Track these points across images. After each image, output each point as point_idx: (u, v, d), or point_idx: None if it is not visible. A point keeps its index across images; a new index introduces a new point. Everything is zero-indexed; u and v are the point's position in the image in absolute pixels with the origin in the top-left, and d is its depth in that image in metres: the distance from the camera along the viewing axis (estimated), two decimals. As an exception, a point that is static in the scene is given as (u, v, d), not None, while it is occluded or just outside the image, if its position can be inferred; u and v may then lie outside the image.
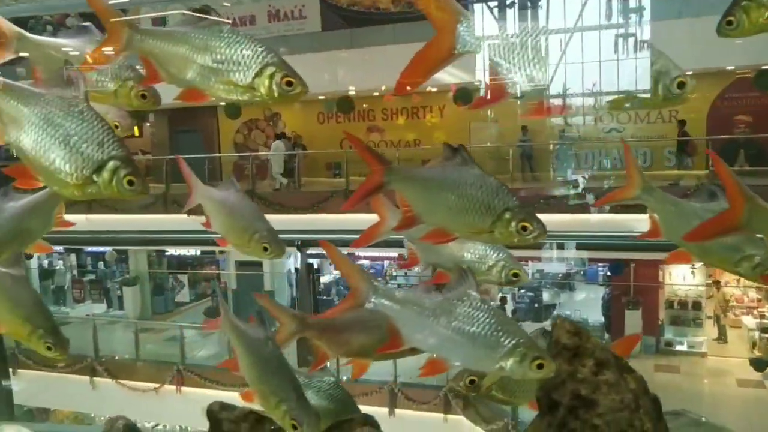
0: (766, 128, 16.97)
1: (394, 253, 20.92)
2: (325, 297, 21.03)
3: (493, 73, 2.27)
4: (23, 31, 2.60)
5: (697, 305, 17.99)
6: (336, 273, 22.50)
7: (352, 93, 19.61)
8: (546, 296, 21.10)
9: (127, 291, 22.58)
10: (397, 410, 14.84)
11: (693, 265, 17.93)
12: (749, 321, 17.66)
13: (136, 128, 26.14)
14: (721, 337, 17.79)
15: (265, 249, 2.69)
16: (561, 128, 18.43)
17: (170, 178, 17.53)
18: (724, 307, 18.45)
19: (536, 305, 20.54)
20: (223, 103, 21.90)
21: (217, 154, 23.05)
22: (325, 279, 21.89)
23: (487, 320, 2.11)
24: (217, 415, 2.54)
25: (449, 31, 2.03)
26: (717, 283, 18.29)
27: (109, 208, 17.19)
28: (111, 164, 2.06)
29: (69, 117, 2.08)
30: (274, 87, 2.11)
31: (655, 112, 18.76)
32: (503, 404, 2.60)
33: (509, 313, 20.27)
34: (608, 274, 20.10)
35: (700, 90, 17.45)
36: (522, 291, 21.52)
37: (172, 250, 23.43)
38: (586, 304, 20.10)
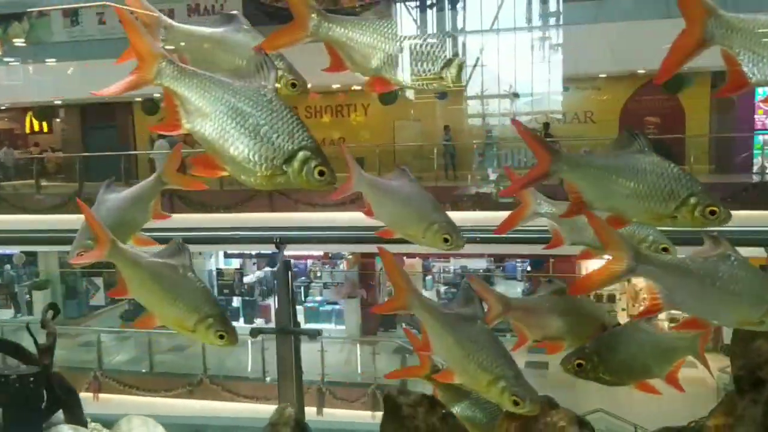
0: (674, 129, 17.89)
1: (318, 252, 20.82)
2: (248, 298, 20.71)
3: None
4: (169, 20, 2.51)
5: (611, 298, 18.77)
6: (259, 273, 22.21)
7: (274, 90, 19.27)
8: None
9: (37, 295, 21.52)
10: (325, 409, 14.79)
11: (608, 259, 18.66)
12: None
13: (45, 124, 24.96)
14: (633, 329, 18.59)
15: (446, 240, 2.62)
16: (484, 128, 18.87)
17: (84, 177, 16.82)
18: (634, 299, 19.34)
19: (459, 301, 20.84)
20: (139, 99, 21.20)
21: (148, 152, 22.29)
22: (247, 279, 21.56)
23: (750, 279, 2.14)
24: (395, 400, 2.57)
25: (699, 23, 2.01)
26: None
27: (17, 207, 16.32)
28: (301, 154, 2.02)
29: (258, 106, 2.03)
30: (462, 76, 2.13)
31: (571, 113, 19.45)
32: (610, 386, 2.65)
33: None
34: (528, 269, 20.69)
35: (614, 92, 18.20)
36: (446, 287, 21.89)
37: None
38: (508, 299, 20.54)
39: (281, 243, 3.97)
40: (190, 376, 15.72)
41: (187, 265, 2.44)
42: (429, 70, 2.13)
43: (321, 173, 2.02)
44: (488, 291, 2.79)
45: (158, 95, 20.85)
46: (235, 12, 2.62)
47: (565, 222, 2.72)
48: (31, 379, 3.13)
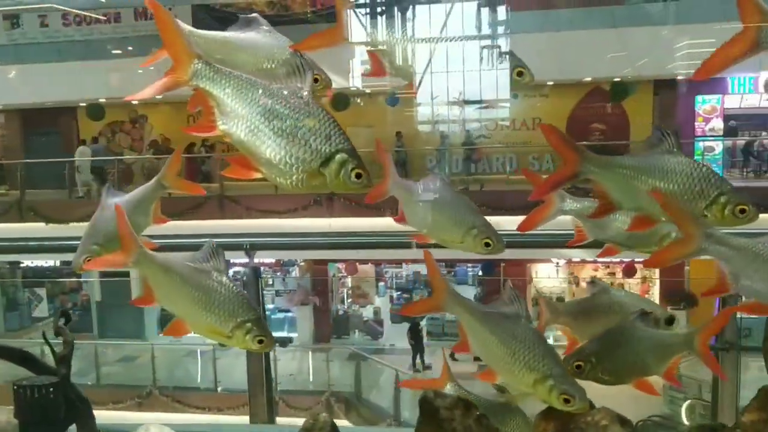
0: (619, 135, 18.37)
1: (269, 259, 20.59)
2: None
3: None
4: (189, 27, 2.44)
5: (560, 300, 19.11)
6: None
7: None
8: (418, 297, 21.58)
9: (-26, 307, 20.67)
10: (278, 419, 14.59)
11: (557, 263, 19.08)
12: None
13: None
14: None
15: (487, 244, 2.62)
16: (440, 134, 19.00)
17: (25, 184, 16.28)
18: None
19: (412, 307, 20.97)
20: (83, 104, 20.65)
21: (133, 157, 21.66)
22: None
23: None
24: (432, 403, 2.59)
25: (752, 28, 2.05)
26: (576, 279, 19.54)
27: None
28: (339, 157, 2.04)
29: (295, 109, 2.04)
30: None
31: (520, 119, 19.78)
32: (609, 385, 2.65)
33: (387, 314, 20.60)
34: (480, 273, 20.91)
35: (561, 100, 18.59)
36: (398, 293, 21.94)
37: (28, 261, 21.70)
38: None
39: (251, 249, 3.95)
40: (138, 387, 15.33)
41: (221, 270, 2.40)
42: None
43: (358, 176, 2.06)
44: (542, 300, 2.82)
45: (104, 100, 20.42)
46: (254, 15, 2.65)
47: (587, 219, 2.75)
48: (51, 389, 3.14)
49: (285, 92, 2.06)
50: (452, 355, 3.70)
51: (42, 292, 21.57)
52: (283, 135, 2.02)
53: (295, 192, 2.21)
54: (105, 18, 19.50)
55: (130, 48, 19.08)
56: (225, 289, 2.36)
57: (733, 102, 18.89)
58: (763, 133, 18.21)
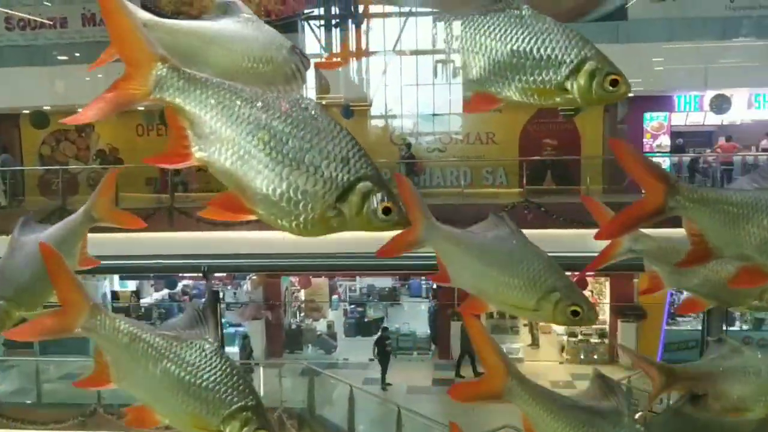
0: (569, 151, 18.68)
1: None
2: (146, 322, 19.77)
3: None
4: (151, 16, 1.91)
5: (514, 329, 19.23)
6: (156, 295, 21.32)
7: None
8: (373, 312, 21.48)
9: None
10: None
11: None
12: (557, 327, 19.23)
13: None
14: (534, 343, 19.19)
15: (575, 313, 2.03)
16: (399, 149, 18.99)
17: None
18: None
19: (365, 320, 20.85)
20: (26, 111, 19.97)
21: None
22: (145, 301, 20.64)
23: None
24: None
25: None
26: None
27: None
28: (361, 186, 1.53)
29: (299, 125, 1.53)
30: (594, 87, 1.74)
31: (474, 133, 19.96)
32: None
33: (341, 328, 20.42)
34: (434, 286, 20.92)
35: (514, 115, 18.82)
36: (352, 306, 21.78)
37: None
38: (414, 317, 20.75)
39: (209, 272, 3.72)
40: (82, 406, 14.77)
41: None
42: (549, 80, 1.77)
43: (386, 211, 1.55)
44: (646, 362, 2.43)
45: (48, 107, 19.83)
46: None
47: (665, 262, 2.27)
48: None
49: (284, 103, 1.56)
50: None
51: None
52: (284, 161, 1.51)
53: (305, 236, 1.60)
54: (51, 23, 18.94)
55: (77, 54, 18.58)
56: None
57: (679, 119, 19.43)
58: (708, 150, 18.76)
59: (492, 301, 2.17)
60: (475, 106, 1.91)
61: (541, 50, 1.77)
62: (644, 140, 19.07)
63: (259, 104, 1.55)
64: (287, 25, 19.22)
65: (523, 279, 2.06)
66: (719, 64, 16.60)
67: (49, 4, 18.64)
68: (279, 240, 13.97)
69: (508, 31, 1.80)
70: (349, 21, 19.77)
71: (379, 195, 1.55)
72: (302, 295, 21.33)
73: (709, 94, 17.76)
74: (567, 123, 18.93)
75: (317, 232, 1.59)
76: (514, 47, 1.79)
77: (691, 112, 19.33)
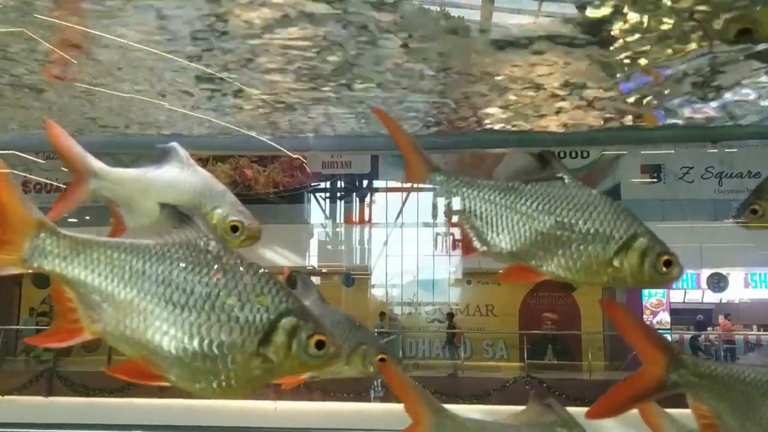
0: (569, 325, 18.56)
1: None
2: None
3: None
4: (102, 165, 1.89)
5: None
6: None
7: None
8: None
9: None
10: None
11: None
12: None
13: None
14: None
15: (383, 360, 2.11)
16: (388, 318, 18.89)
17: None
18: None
19: None
20: None
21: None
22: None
23: None
24: None
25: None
26: None
27: None
28: (285, 322, 1.37)
29: (203, 269, 1.39)
30: (647, 267, 1.67)
31: (474, 305, 19.95)
32: None
33: None
34: None
35: (513, 288, 18.92)
36: None
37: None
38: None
39: None
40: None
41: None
42: (598, 255, 1.68)
43: (320, 345, 1.39)
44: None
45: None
46: (172, 144, 2.02)
47: None
48: None
49: (184, 249, 1.41)
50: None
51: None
52: (191, 314, 1.37)
53: (231, 397, 1.43)
54: (65, 187, 19.63)
55: (87, 217, 19.08)
56: None
57: (677, 296, 19.53)
58: (709, 329, 18.62)
59: None
60: (513, 278, 1.86)
61: (588, 223, 1.70)
62: (644, 317, 19.02)
63: (154, 257, 1.41)
64: (294, 196, 20.00)
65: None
66: (713, 244, 17.02)
67: (66, 169, 19.44)
68: (269, 410, 13.42)
69: (553, 202, 1.74)
70: (353, 194, 20.58)
71: (307, 328, 1.38)
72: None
73: (705, 273, 17.98)
74: (566, 297, 19.00)
75: (244, 388, 1.41)
76: (559, 219, 1.72)
77: (689, 290, 19.48)
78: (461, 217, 1.84)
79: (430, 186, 1.91)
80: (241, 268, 1.41)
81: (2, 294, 21.11)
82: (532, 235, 1.74)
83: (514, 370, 15.92)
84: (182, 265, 1.40)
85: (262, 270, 1.42)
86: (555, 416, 1.78)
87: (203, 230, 1.45)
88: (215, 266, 1.40)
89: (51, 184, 19.81)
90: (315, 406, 12.97)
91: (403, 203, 19.76)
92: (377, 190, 20.50)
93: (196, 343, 1.35)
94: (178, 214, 1.47)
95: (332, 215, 20.81)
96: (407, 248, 19.41)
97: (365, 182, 20.54)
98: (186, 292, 1.38)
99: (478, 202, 1.81)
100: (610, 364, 16.38)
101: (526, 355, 16.08)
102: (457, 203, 1.83)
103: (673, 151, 16.88)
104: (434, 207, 1.95)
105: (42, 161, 3.41)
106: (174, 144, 2.02)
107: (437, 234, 18.63)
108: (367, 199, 20.51)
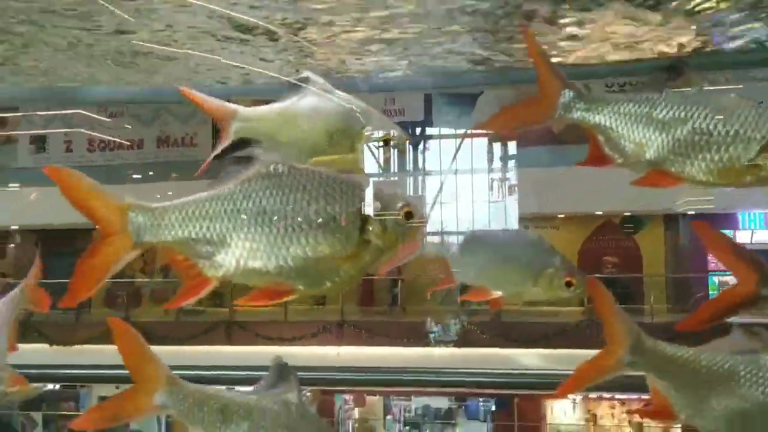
0: (631, 268, 18.26)
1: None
2: None
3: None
4: (241, 108, 2.01)
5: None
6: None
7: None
8: (430, 433, 20.67)
9: (-32, 432, 19.93)
10: None
11: (574, 399, 18.33)
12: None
13: (-1, 248, 24.39)
14: (600, 471, 17.95)
15: (569, 284, 2.39)
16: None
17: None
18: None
19: (422, 443, 20.06)
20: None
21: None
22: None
23: None
24: None
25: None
26: (594, 416, 18.69)
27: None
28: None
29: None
30: None
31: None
32: None
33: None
34: (493, 408, 20.10)
35: (572, 232, 18.68)
36: (407, 427, 21.02)
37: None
38: (472, 440, 19.84)
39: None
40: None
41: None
42: (740, 157, 1.63)
43: (408, 215, 1.69)
44: None
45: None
46: (306, 73, 2.09)
47: None
48: None
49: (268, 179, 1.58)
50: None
51: (38, 416, 20.89)
52: (304, 232, 1.55)
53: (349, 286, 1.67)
54: (129, 144, 20.26)
55: (150, 173, 19.66)
56: None
57: (744, 237, 18.91)
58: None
59: None
60: (651, 182, 1.83)
61: (727, 126, 1.65)
62: (707, 258, 18.54)
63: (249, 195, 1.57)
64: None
65: None
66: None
67: (129, 127, 19.99)
68: (332, 355, 13.86)
69: (690, 108, 1.72)
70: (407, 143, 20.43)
71: (394, 207, 1.64)
72: (356, 413, 20.76)
73: (774, 212, 17.33)
74: (627, 240, 18.65)
75: (360, 274, 1.63)
76: (696, 124, 1.70)
77: (756, 230, 18.82)
78: (596, 130, 1.86)
79: (483, 132, 1.92)
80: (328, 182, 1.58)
81: (80, 249, 22.15)
82: (670, 142, 1.73)
83: (575, 315, 15.85)
84: (280, 191, 1.56)
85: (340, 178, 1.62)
86: (761, 342, 1.72)
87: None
88: (309, 185, 1.57)
89: (114, 141, 20.47)
90: (374, 351, 13.29)
91: (457, 149, 19.55)
92: (431, 137, 20.32)
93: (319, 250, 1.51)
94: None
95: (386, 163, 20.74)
96: (462, 195, 19.32)
97: (418, 130, 20.38)
98: (293, 214, 1.54)
99: (613, 115, 1.80)
100: (673, 307, 16.10)
101: (586, 299, 15.94)
102: (591, 117, 1.84)
103: None
104: (489, 152, 1.98)
105: (107, 119, 3.53)
106: (308, 73, 2.09)
107: (492, 180, 18.46)
108: (421, 147, 20.38)
